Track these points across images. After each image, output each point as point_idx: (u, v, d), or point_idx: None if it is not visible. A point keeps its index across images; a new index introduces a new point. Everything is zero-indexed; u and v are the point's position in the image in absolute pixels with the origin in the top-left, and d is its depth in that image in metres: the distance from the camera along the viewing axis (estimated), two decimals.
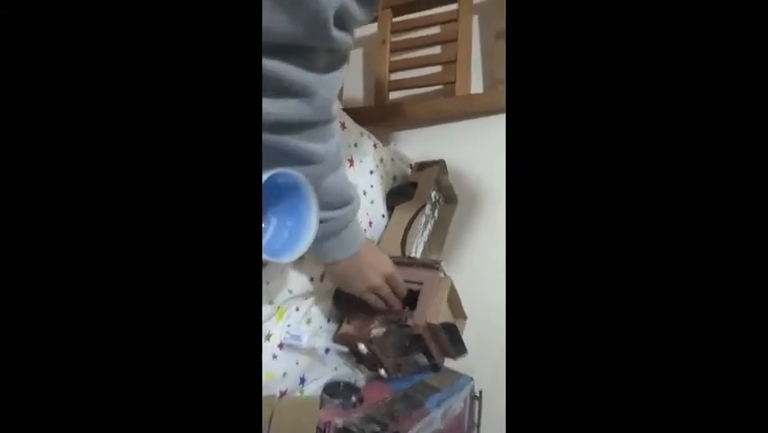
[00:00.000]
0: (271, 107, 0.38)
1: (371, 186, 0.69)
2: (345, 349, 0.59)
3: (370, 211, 0.69)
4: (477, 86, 0.90)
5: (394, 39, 0.97)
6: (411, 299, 0.58)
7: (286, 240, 0.47)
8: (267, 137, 0.40)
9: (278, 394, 0.53)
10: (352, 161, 0.66)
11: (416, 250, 0.71)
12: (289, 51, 0.36)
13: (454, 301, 0.61)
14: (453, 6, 0.90)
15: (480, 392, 0.67)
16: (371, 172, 0.70)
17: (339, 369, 0.62)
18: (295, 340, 0.53)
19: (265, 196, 0.44)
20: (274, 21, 0.33)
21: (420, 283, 0.59)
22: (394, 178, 0.78)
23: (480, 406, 0.67)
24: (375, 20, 0.96)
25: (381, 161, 0.73)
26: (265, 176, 0.40)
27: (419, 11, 0.95)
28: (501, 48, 0.85)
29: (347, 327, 0.60)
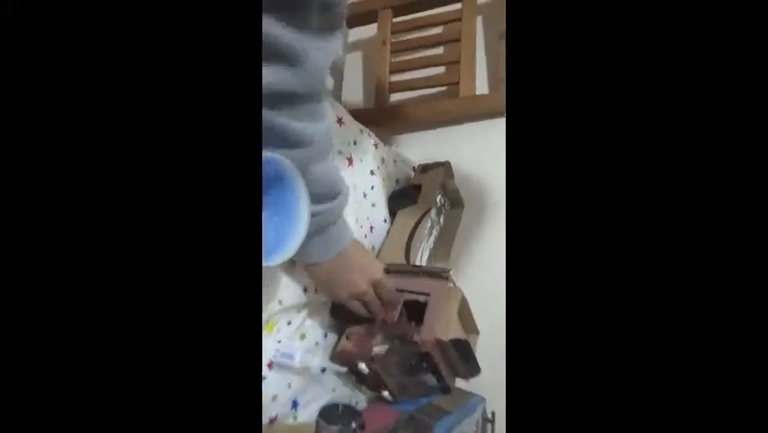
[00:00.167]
0: None
1: (372, 187, 0.64)
2: (344, 369, 0.53)
3: (371, 215, 0.64)
4: (481, 87, 0.88)
5: (395, 39, 0.94)
6: (417, 313, 0.53)
7: (272, 239, 0.41)
8: None
9: (267, 421, 0.47)
10: (351, 160, 0.60)
11: (422, 258, 0.66)
12: (278, 3, 0.31)
13: (466, 314, 0.56)
14: (457, 6, 0.88)
15: (493, 414, 0.62)
16: (372, 173, 0.65)
17: (337, 390, 0.57)
18: (286, 358, 0.47)
19: None
20: None
21: (427, 294, 0.53)
22: (396, 180, 0.73)
23: (493, 430, 0.61)
24: (375, 20, 0.94)
25: (383, 161, 0.68)
26: None
27: (421, 11, 0.93)
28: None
29: (346, 344, 0.54)
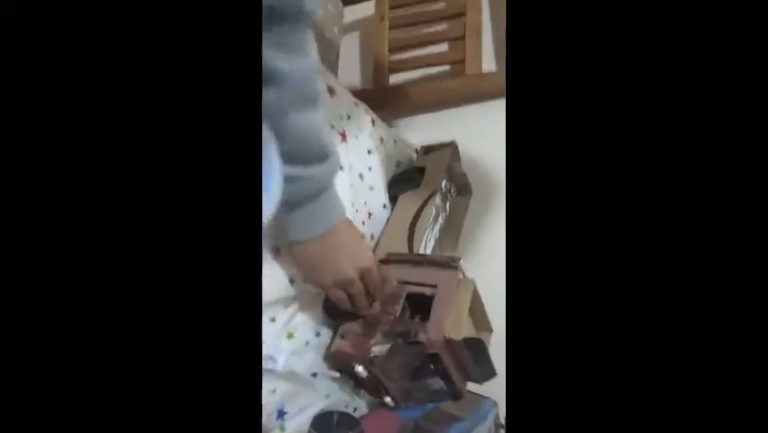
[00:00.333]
0: None
1: (370, 168, 0.57)
2: (336, 374, 0.47)
3: (370, 200, 0.57)
4: (488, 64, 0.83)
5: (393, 15, 0.90)
6: (423, 308, 0.47)
7: None
8: None
9: None
10: (344, 136, 0.54)
11: (426, 248, 0.60)
12: None
13: (478, 309, 0.50)
14: None
15: (506, 420, 0.55)
16: (370, 152, 0.58)
17: (332, 396, 0.51)
18: (269, 362, 0.40)
19: None
20: None
21: (434, 286, 0.48)
22: (398, 163, 0.67)
23: None
24: None
25: (382, 141, 0.62)
26: None
27: None
28: None
29: (340, 344, 0.48)
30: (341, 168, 0.46)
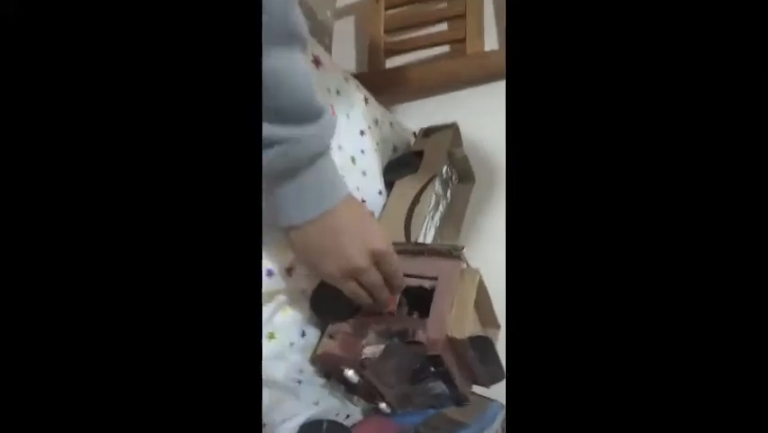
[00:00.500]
0: None
1: (362, 151, 0.52)
2: (321, 379, 0.43)
3: (363, 186, 0.52)
4: (491, 42, 0.80)
5: None
6: (422, 302, 0.42)
7: None
8: None
9: None
10: (332, 112, 0.48)
11: (425, 237, 0.55)
12: None
13: (484, 303, 0.45)
14: None
15: None
16: (362, 133, 0.53)
17: (322, 402, 0.46)
18: None
19: None
20: None
21: (434, 279, 0.43)
22: (394, 148, 0.62)
23: None
24: None
25: (376, 122, 0.57)
26: None
27: None
28: None
29: (329, 345, 0.43)
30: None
